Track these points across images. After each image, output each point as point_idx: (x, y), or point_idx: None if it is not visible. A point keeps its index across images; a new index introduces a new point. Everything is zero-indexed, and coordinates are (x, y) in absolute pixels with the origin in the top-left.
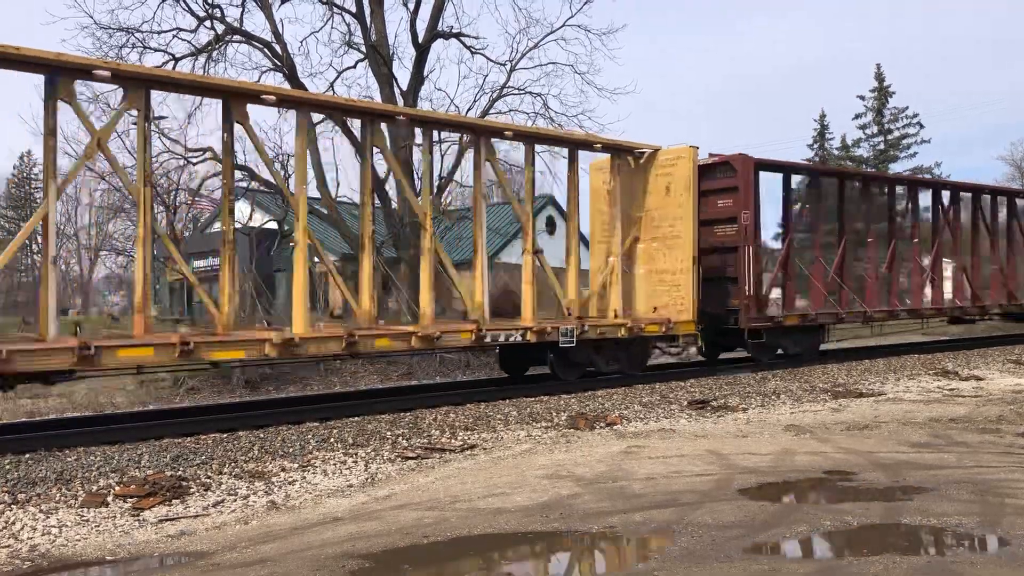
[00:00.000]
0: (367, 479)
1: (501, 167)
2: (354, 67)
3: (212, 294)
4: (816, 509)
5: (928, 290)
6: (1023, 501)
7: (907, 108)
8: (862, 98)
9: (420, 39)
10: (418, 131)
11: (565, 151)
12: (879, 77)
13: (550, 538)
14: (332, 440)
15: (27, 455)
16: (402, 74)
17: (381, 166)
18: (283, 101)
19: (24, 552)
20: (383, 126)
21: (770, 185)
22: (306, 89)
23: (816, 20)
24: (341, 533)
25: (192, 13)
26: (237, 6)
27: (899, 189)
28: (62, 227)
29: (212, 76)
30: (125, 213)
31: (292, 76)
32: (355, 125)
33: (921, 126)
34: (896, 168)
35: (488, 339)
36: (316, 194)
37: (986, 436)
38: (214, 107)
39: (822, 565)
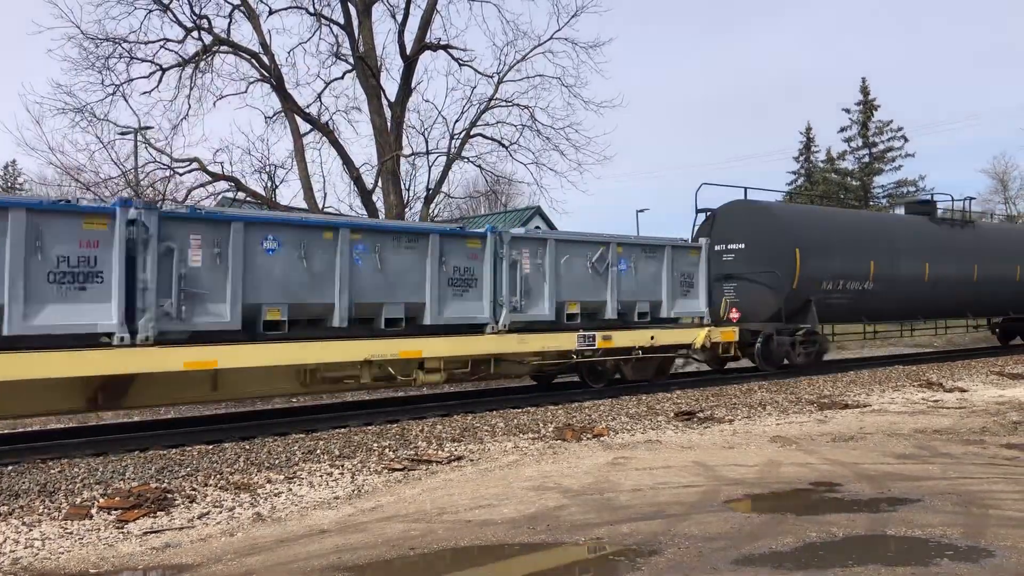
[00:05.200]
0: (353, 491)
1: (488, 176)
2: (341, 78)
3: None
4: (802, 520)
5: None
6: (1007, 512)
7: (891, 121)
8: (847, 111)
9: (408, 51)
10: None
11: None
12: (864, 90)
13: (537, 550)
14: (318, 451)
15: (9, 467)
16: (390, 86)
17: (368, 176)
18: None
19: (6, 565)
20: None
21: None
22: (294, 100)
23: (805, 32)
24: (327, 545)
25: (179, 24)
26: (225, 17)
27: None
28: None
29: None
30: None
31: (280, 87)
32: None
33: (905, 139)
34: (881, 181)
35: None
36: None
37: (970, 447)
38: (201, 117)
39: None
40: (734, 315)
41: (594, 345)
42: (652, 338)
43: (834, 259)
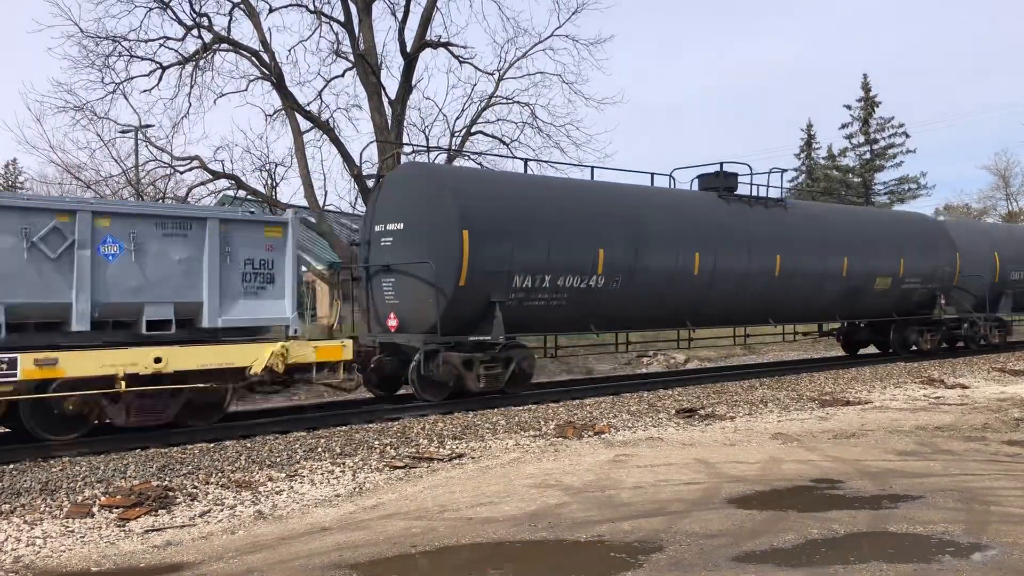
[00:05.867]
0: (355, 488)
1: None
2: (342, 76)
3: None
4: (803, 517)
5: None
6: (1008, 508)
7: (893, 118)
8: (848, 107)
9: (408, 48)
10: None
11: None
12: (865, 87)
13: (538, 547)
14: (320, 449)
15: (11, 465)
16: (390, 83)
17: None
18: None
19: (8, 564)
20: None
21: None
22: (295, 98)
23: (806, 29)
24: (328, 543)
25: (179, 22)
26: (225, 15)
27: None
28: None
29: None
30: None
31: (280, 85)
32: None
33: (907, 136)
34: (882, 178)
35: None
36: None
37: (971, 444)
38: (202, 115)
39: (809, 573)
40: (392, 323)
41: (15, 375)
42: (160, 360)
43: (533, 245)
